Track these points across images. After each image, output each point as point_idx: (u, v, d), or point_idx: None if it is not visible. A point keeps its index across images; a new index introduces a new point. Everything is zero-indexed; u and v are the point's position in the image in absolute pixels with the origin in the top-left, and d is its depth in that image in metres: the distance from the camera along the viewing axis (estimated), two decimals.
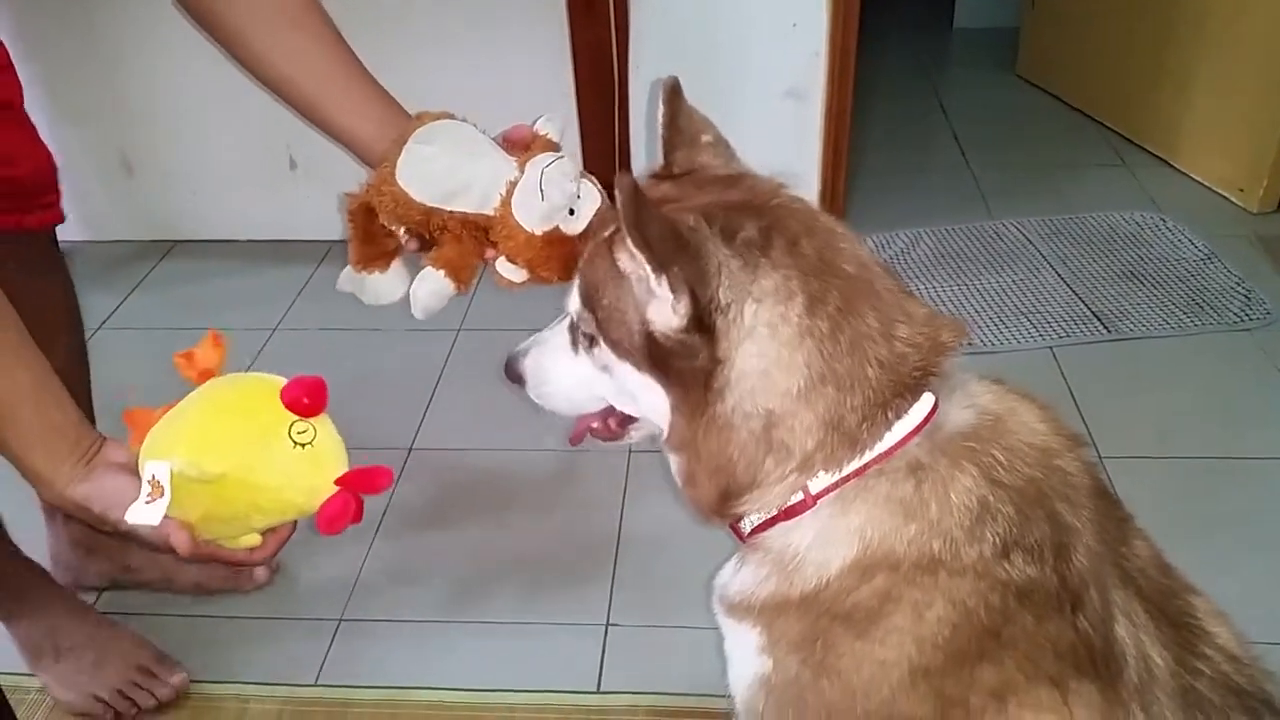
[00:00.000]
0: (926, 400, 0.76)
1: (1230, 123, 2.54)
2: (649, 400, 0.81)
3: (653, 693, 1.42)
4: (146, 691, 1.45)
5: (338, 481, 0.86)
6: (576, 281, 0.84)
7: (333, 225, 2.48)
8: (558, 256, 1.01)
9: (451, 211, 1.01)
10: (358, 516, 0.88)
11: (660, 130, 0.88)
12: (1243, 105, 2.48)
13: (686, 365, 0.75)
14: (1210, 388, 1.99)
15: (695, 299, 0.72)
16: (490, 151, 1.04)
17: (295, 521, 0.93)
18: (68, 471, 0.91)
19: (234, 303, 2.39)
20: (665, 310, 0.74)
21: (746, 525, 0.81)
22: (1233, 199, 2.54)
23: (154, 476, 0.81)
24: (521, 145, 1.06)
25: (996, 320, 2.18)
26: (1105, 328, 2.14)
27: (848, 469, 0.74)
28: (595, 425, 0.94)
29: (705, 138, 0.88)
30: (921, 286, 2.30)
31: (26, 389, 0.92)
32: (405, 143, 1.03)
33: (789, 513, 0.77)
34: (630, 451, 1.88)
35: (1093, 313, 2.18)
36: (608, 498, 1.78)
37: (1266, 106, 2.40)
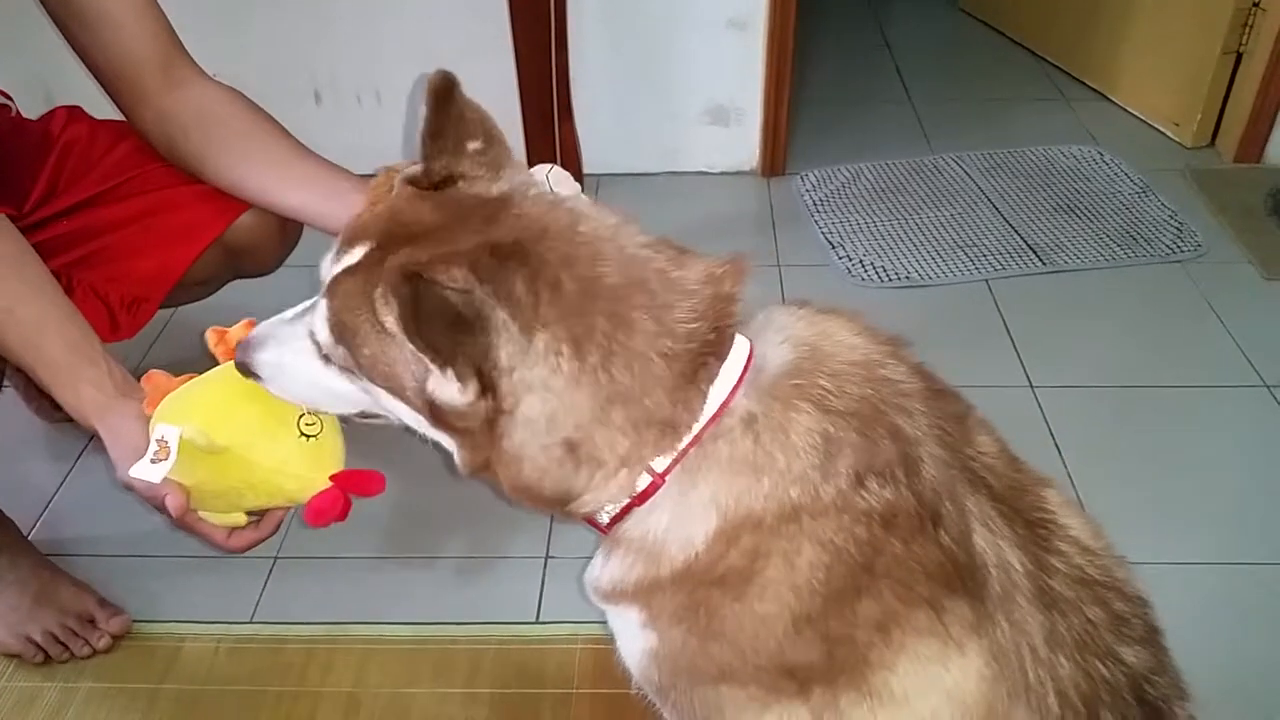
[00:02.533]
0: (740, 350, 0.76)
1: (1166, 58, 2.55)
2: (423, 426, 0.79)
3: (591, 622, 1.44)
4: (82, 639, 1.44)
5: (333, 478, 0.88)
6: (324, 309, 0.77)
7: None
8: None
9: None
10: (343, 515, 0.90)
11: (421, 134, 0.80)
12: (1178, 41, 2.50)
13: (470, 423, 0.73)
14: (1141, 318, 2.03)
15: (480, 375, 0.70)
16: None
17: (279, 521, 0.98)
18: (91, 396, 1.03)
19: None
20: (450, 390, 0.72)
21: (604, 517, 0.79)
22: (1168, 133, 2.57)
23: (163, 438, 0.84)
24: None
25: (934, 254, 2.19)
26: (1040, 260, 2.16)
27: (682, 444, 0.73)
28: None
29: (472, 145, 0.80)
30: (862, 221, 2.30)
31: (52, 313, 1.07)
32: (393, 185, 1.09)
33: (642, 497, 0.75)
34: None
35: (1028, 245, 2.20)
36: None
37: (1201, 42, 2.42)
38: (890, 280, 2.13)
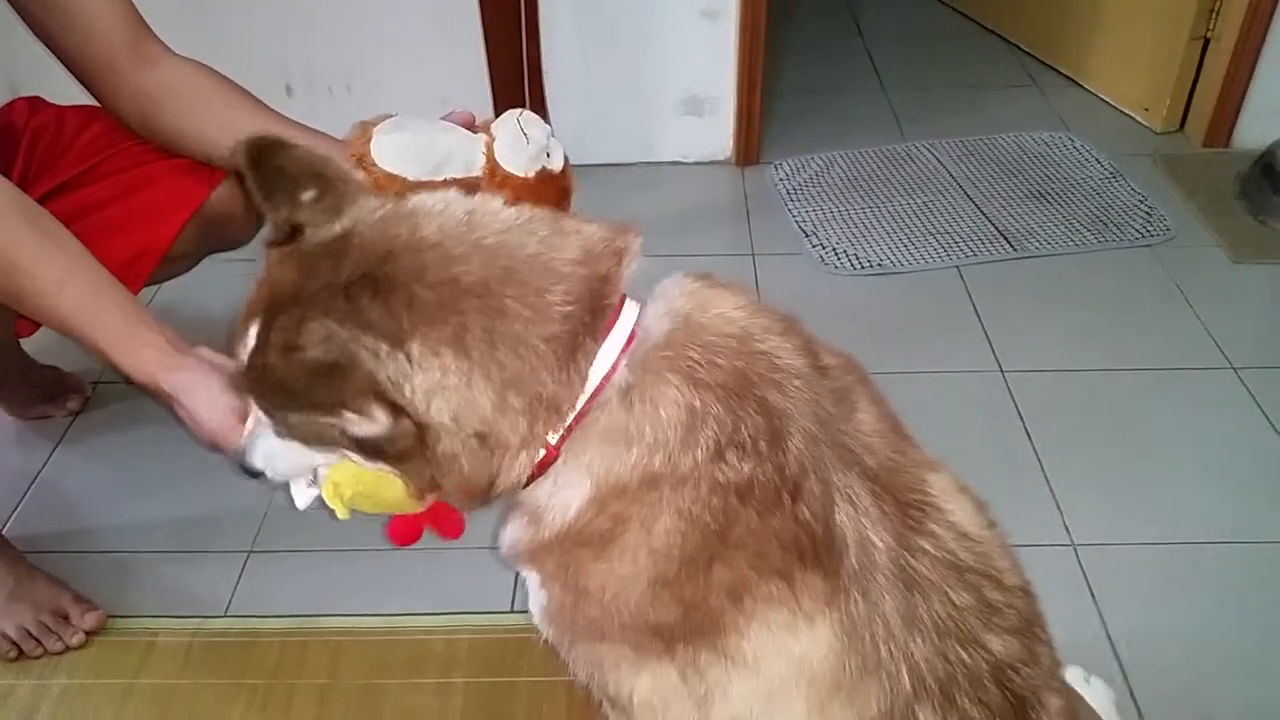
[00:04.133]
0: (624, 324, 0.78)
1: (1136, 44, 2.57)
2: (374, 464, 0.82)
3: None
4: (56, 635, 1.44)
5: (427, 509, 0.96)
6: (250, 393, 0.81)
7: None
8: (552, 191, 1.17)
9: (444, 180, 1.13)
10: (412, 540, 1.01)
11: (254, 198, 0.80)
12: (1148, 26, 2.51)
13: (404, 445, 0.75)
14: (1111, 302, 2.05)
15: (381, 401, 0.72)
16: (452, 127, 1.21)
17: None
18: (155, 357, 1.12)
19: None
20: (366, 426, 0.74)
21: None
22: (1138, 118, 2.59)
23: (322, 477, 0.92)
24: (467, 126, 1.23)
25: (906, 241, 2.20)
26: (1011, 246, 2.18)
27: (567, 421, 0.76)
28: None
29: (306, 195, 0.79)
30: (835, 209, 2.31)
31: (104, 280, 1.15)
32: (369, 138, 1.18)
33: (539, 469, 0.78)
34: None
35: (999, 232, 2.22)
36: None
37: (1170, 28, 2.44)
38: (863, 268, 2.14)
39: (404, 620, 1.46)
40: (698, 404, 0.73)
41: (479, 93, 1.87)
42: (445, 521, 1.01)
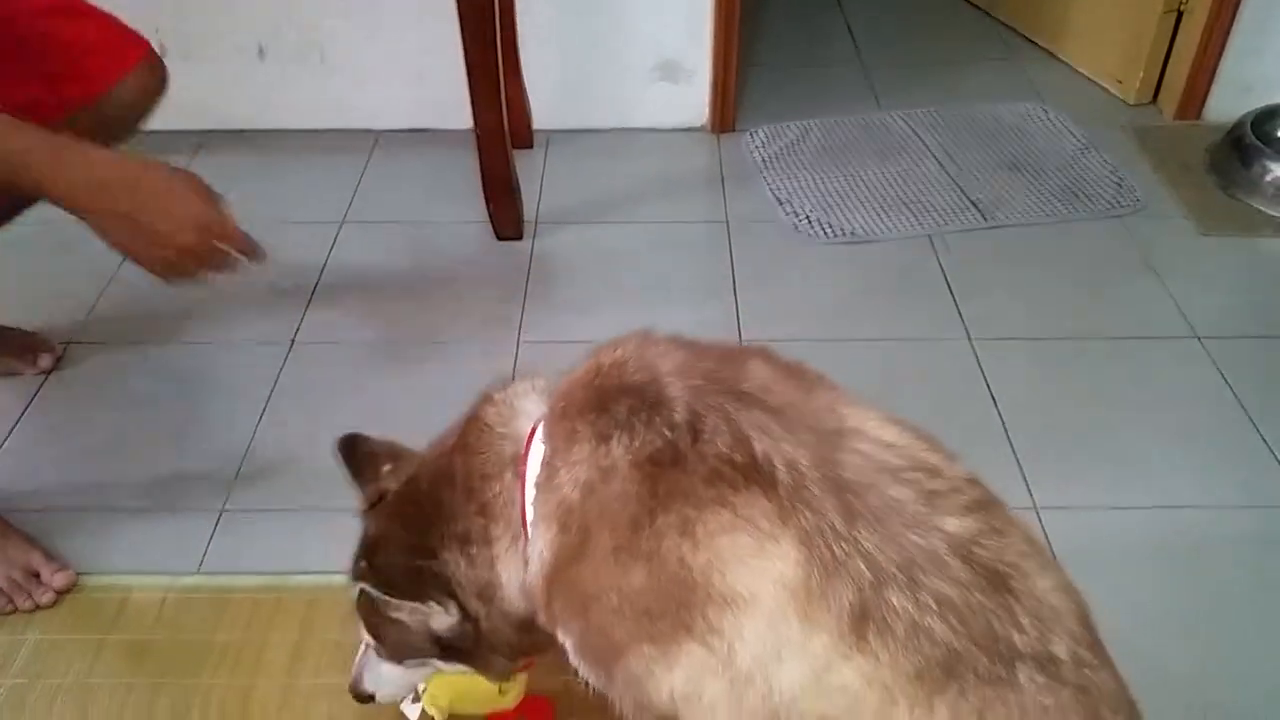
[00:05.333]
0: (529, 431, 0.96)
1: (1110, 16, 2.58)
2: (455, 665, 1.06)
3: None
4: (26, 593, 1.44)
5: (518, 703, 1.24)
6: (360, 625, 1.08)
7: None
8: None
9: None
10: None
11: (351, 482, 1.08)
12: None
13: (465, 642, 1.01)
14: (1079, 272, 2.07)
15: (454, 599, 0.97)
16: None
17: None
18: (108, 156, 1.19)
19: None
20: (441, 619, 0.99)
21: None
22: (1111, 90, 2.61)
23: (422, 690, 1.19)
24: None
25: (879, 210, 2.22)
26: (982, 216, 2.20)
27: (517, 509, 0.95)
28: None
29: (385, 469, 1.07)
30: (809, 178, 2.33)
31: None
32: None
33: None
34: (517, 352, 1.89)
35: (971, 202, 2.24)
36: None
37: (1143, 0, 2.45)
38: (835, 236, 2.15)
39: None
40: (577, 426, 0.89)
41: (454, 61, 1.87)
42: (538, 710, 1.27)
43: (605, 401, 0.88)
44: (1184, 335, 1.89)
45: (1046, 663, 0.77)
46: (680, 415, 0.84)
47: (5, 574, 1.44)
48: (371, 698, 1.14)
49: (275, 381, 1.82)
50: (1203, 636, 1.40)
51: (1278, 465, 1.63)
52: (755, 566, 0.79)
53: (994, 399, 1.75)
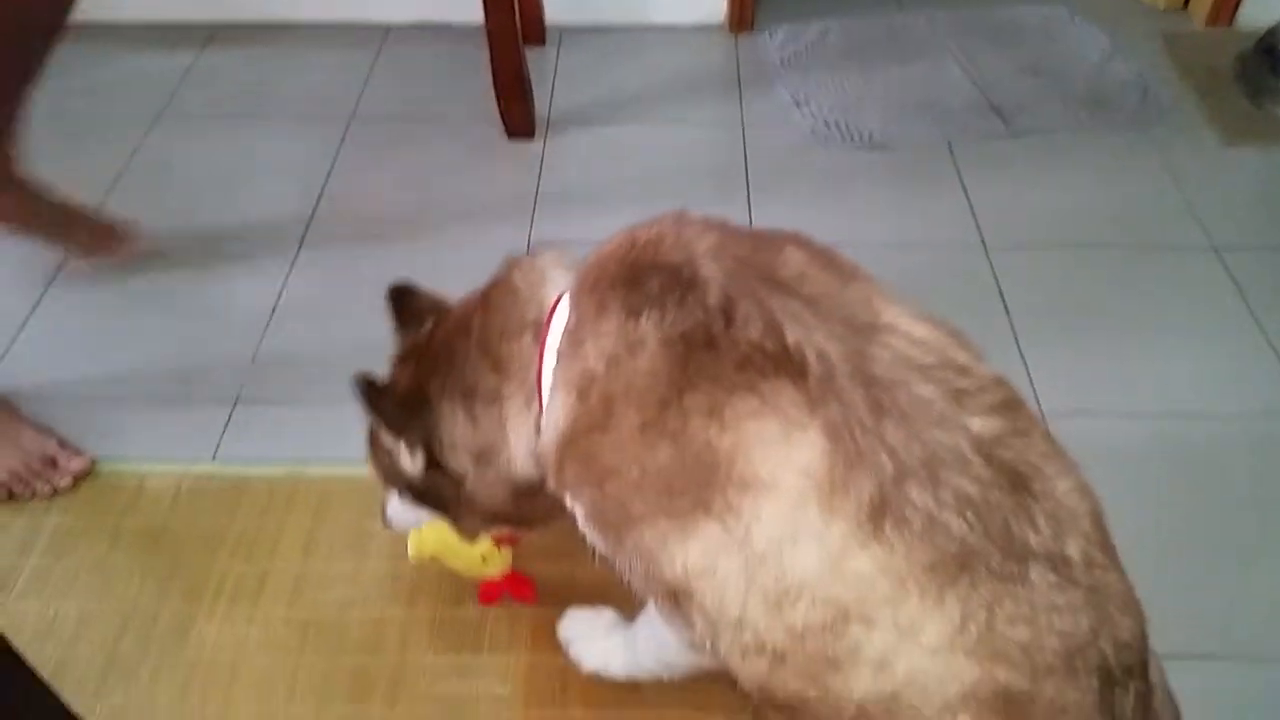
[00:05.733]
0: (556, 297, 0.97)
1: None
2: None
3: None
4: (44, 479, 1.47)
5: (503, 578, 1.33)
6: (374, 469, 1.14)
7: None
8: None
9: None
10: (493, 601, 1.33)
11: (394, 330, 1.12)
12: None
13: (435, 491, 1.06)
14: (1098, 181, 2.04)
15: (424, 450, 1.02)
16: None
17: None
18: None
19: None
20: (406, 462, 1.03)
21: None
22: None
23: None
24: None
25: (898, 114, 2.18)
26: (1003, 122, 2.16)
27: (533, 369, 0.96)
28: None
29: (428, 323, 1.08)
30: (827, 79, 2.28)
31: None
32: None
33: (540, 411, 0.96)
34: (531, 235, 1.89)
35: (992, 107, 2.19)
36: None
37: None
38: (852, 140, 2.12)
39: None
40: (607, 299, 0.88)
41: None
42: (520, 588, 1.32)
43: (638, 277, 0.88)
44: (1201, 247, 1.87)
45: (1060, 563, 0.78)
46: (714, 299, 0.84)
47: (23, 462, 1.47)
48: (390, 525, 1.25)
49: (287, 275, 1.82)
50: (1208, 543, 1.42)
51: None
52: (780, 453, 0.80)
53: (1006, 306, 1.75)
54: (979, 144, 2.11)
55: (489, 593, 1.33)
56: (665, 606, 0.92)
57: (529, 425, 0.97)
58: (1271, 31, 2.23)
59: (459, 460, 1.02)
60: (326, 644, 1.30)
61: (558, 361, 0.92)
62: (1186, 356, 1.68)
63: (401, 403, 1.01)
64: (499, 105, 2.09)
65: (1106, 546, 0.82)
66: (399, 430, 1.02)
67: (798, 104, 2.21)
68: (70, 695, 1.18)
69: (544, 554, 1.36)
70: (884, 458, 0.77)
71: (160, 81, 2.28)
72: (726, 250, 0.88)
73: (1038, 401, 1.58)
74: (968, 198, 1.97)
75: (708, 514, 0.82)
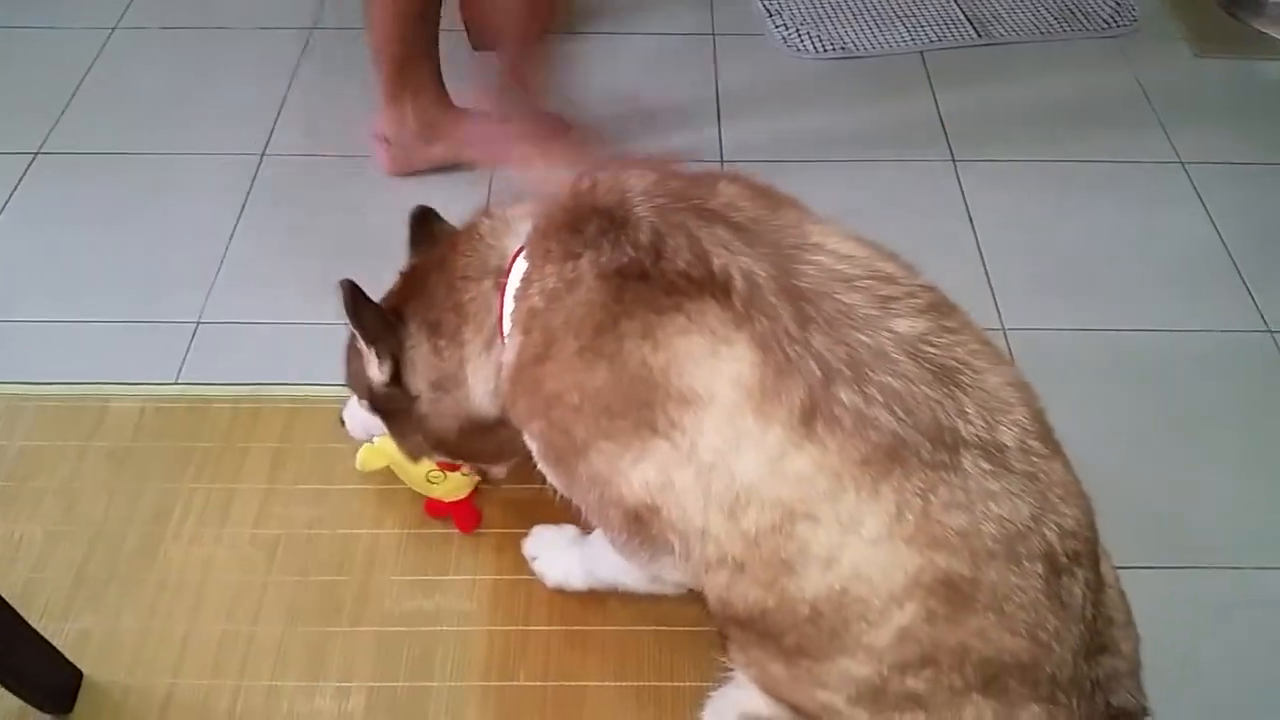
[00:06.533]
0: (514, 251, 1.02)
1: None
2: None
3: None
4: None
5: (450, 504, 1.35)
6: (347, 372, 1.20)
7: None
8: None
9: None
10: (437, 517, 1.36)
11: (409, 247, 1.18)
12: None
13: (390, 404, 1.12)
14: (1069, 93, 2.03)
15: (393, 362, 1.08)
16: None
17: None
18: None
19: None
20: (374, 370, 1.10)
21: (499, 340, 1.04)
22: None
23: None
24: None
25: (872, 23, 2.15)
26: (976, 32, 2.13)
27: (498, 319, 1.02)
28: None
29: (441, 246, 1.12)
30: None
31: None
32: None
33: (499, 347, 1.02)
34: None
35: (966, 17, 2.16)
36: (467, 194, 1.76)
37: None
38: (825, 51, 2.09)
39: None
40: (551, 245, 0.95)
41: None
42: (463, 516, 1.34)
43: (577, 222, 0.94)
44: (1169, 160, 1.87)
45: (994, 450, 0.80)
46: (645, 236, 0.89)
47: None
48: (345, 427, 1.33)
49: (248, 191, 1.79)
50: (1160, 450, 1.45)
51: (1246, 290, 1.65)
52: (710, 367, 0.84)
53: (971, 220, 1.75)
54: (951, 55, 2.08)
55: (433, 509, 1.36)
56: (626, 534, 0.94)
57: (489, 367, 1.04)
58: None
59: (417, 382, 1.09)
60: (293, 563, 1.32)
61: (514, 305, 0.98)
62: (1147, 271, 1.69)
63: (380, 315, 1.08)
64: (462, 16, 2.04)
65: (1045, 436, 0.84)
66: (371, 339, 1.08)
67: (770, 14, 2.17)
68: (37, 618, 1.21)
69: (511, 474, 1.37)
70: (811, 364, 0.81)
71: None
72: (661, 188, 0.93)
73: (1000, 316, 1.59)
74: (939, 111, 1.95)
75: (654, 432, 0.86)
